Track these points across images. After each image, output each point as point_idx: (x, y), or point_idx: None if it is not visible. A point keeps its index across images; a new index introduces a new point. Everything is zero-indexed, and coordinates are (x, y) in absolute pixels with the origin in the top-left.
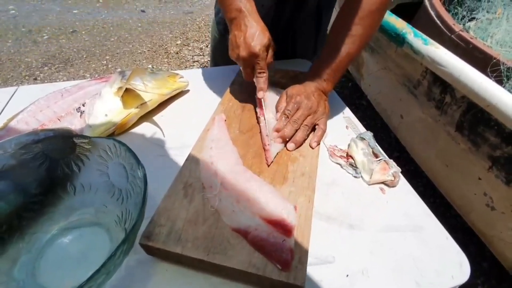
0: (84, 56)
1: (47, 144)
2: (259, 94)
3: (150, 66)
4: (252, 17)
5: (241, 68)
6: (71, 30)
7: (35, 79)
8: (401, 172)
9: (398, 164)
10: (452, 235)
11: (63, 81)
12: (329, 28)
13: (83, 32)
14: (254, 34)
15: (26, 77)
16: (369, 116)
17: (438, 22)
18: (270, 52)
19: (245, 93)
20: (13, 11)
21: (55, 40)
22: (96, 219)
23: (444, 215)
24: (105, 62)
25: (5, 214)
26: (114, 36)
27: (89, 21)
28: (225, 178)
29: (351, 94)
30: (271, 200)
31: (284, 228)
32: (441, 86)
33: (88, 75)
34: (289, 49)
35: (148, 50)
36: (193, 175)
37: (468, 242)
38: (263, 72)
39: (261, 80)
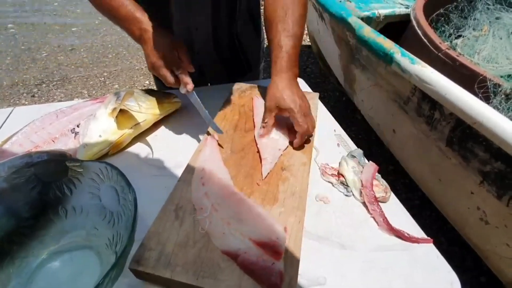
0: (82, 73)
1: (39, 168)
2: (188, 87)
3: (147, 82)
4: (154, 30)
5: (159, 76)
6: (69, 48)
7: (33, 96)
8: (397, 186)
9: (394, 178)
10: (450, 248)
11: (61, 97)
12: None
13: (82, 50)
14: (158, 40)
15: (24, 94)
16: (364, 130)
17: (425, 40)
18: (182, 51)
19: (237, 113)
20: (13, 30)
21: (53, 57)
22: (87, 242)
23: (441, 228)
24: (102, 79)
25: None
26: (112, 53)
27: (88, 39)
28: (216, 199)
29: (345, 108)
30: (261, 222)
31: (273, 251)
32: (430, 103)
33: (86, 92)
34: (243, 61)
35: (145, 67)
36: (184, 197)
37: (466, 255)
38: (180, 68)
39: (183, 76)
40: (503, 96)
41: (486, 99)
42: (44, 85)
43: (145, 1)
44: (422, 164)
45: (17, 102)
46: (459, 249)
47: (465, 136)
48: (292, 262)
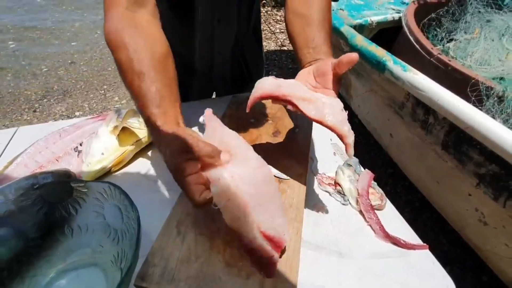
0: (83, 87)
1: (45, 190)
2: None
3: None
4: (168, 126)
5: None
6: (69, 62)
7: (35, 111)
8: (397, 188)
9: (393, 181)
10: (451, 249)
11: (62, 112)
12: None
13: (81, 63)
14: (168, 141)
15: (26, 110)
16: (362, 134)
17: (417, 46)
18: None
19: (234, 125)
20: (13, 45)
21: (54, 72)
22: (93, 260)
23: (442, 230)
24: (103, 91)
25: (6, 260)
26: (111, 66)
27: (87, 52)
28: (241, 172)
29: None
30: (278, 215)
31: (277, 246)
32: (424, 108)
33: (87, 105)
34: (244, 71)
35: None
36: (186, 212)
37: (467, 256)
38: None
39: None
40: (495, 98)
41: (479, 102)
42: (45, 99)
43: (170, 26)
44: (420, 167)
45: (19, 117)
46: (461, 249)
47: (460, 140)
48: (291, 272)
